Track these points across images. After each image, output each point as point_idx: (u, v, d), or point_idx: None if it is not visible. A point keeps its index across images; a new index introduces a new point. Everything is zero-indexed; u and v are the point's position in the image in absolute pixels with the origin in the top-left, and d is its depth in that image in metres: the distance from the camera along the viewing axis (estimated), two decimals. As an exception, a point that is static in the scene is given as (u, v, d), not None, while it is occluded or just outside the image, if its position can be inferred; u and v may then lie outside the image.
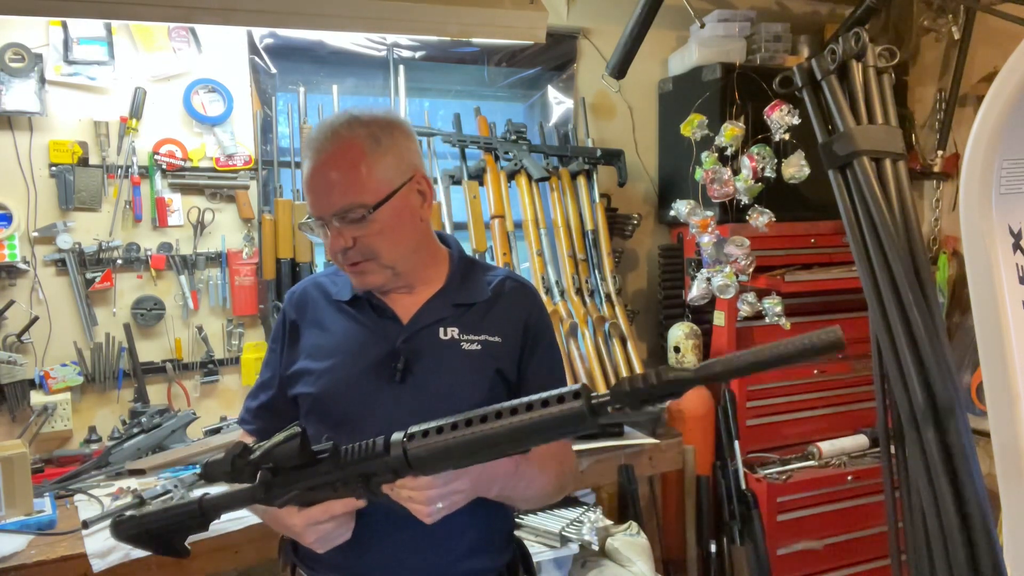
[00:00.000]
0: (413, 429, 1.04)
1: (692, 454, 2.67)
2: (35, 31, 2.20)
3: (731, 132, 2.51)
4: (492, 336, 1.28)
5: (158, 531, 1.16)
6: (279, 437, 1.06)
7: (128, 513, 1.18)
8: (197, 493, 1.18)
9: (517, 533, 1.40)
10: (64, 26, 2.21)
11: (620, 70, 2.70)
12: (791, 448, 2.81)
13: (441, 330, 1.27)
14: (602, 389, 2.52)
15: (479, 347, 1.27)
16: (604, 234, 2.75)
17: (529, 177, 2.67)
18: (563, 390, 0.97)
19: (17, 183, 2.21)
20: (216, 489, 1.20)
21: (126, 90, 2.30)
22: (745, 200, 2.53)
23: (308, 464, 1.07)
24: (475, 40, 2.71)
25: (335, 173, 1.21)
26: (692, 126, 2.56)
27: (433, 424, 1.02)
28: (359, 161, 1.21)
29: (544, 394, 0.98)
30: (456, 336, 1.27)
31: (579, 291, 2.69)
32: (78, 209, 2.27)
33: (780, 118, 2.39)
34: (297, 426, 1.07)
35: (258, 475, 1.07)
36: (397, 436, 1.04)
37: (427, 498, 1.05)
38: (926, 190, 3.23)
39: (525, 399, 0.98)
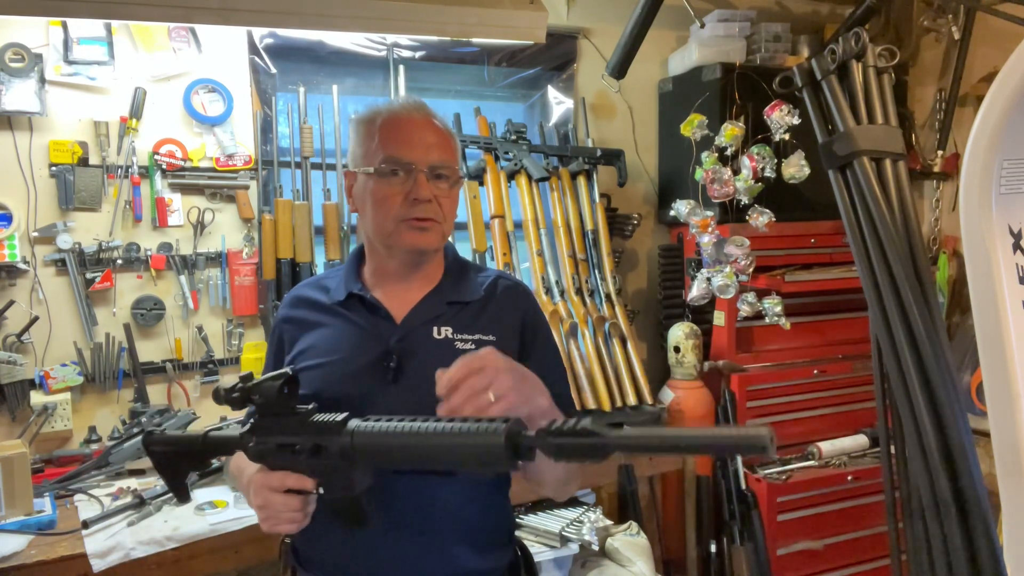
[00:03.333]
0: (363, 421, 1.05)
1: (692, 454, 2.67)
2: (35, 31, 2.20)
3: (731, 132, 2.50)
4: (486, 336, 1.27)
5: (180, 453, 1.23)
6: (271, 374, 1.12)
7: (157, 430, 1.29)
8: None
9: (517, 534, 1.39)
10: (64, 26, 2.21)
11: (620, 70, 2.70)
12: (791, 448, 2.81)
13: (435, 329, 1.27)
14: (602, 390, 2.55)
15: (473, 347, 1.25)
16: (604, 234, 2.75)
17: (529, 177, 2.67)
18: (492, 424, 0.95)
19: (17, 183, 2.21)
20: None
21: (126, 90, 2.30)
22: (745, 200, 2.52)
23: (284, 413, 1.11)
24: (475, 40, 2.71)
25: (437, 132, 1.29)
26: (692, 126, 2.56)
27: (384, 420, 1.04)
28: (452, 134, 1.33)
29: (478, 420, 0.97)
30: (450, 335, 1.26)
31: (579, 291, 2.69)
32: (78, 209, 2.27)
33: (780, 118, 2.38)
34: (290, 370, 1.13)
35: (251, 422, 1.14)
36: (355, 422, 1.05)
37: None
38: (926, 190, 3.23)
39: (459, 420, 0.98)
